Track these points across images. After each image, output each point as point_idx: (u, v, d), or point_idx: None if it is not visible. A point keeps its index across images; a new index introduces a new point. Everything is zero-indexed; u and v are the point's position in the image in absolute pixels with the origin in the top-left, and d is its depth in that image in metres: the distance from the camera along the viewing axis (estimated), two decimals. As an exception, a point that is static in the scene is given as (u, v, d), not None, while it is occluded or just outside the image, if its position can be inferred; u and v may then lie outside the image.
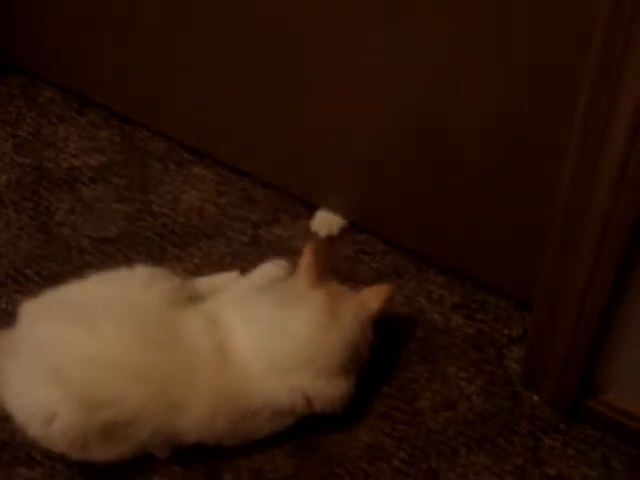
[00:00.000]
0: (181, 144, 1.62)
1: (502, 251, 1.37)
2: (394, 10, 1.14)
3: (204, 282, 1.43)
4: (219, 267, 1.49)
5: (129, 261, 1.49)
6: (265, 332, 1.27)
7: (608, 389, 1.30)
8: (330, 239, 1.51)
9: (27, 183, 1.60)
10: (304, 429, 1.34)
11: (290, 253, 1.48)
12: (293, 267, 1.38)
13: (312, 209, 1.54)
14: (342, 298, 1.30)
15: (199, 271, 1.49)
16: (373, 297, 1.32)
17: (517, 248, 1.34)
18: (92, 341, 1.22)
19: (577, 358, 1.25)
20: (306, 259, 1.29)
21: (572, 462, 1.32)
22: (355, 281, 1.46)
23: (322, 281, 1.29)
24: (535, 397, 1.37)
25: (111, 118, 1.67)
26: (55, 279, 1.47)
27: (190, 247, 1.52)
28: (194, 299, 1.34)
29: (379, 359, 1.40)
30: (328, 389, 1.27)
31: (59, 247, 1.52)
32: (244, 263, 1.49)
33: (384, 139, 1.33)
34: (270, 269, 1.44)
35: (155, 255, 1.52)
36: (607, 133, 0.95)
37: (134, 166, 1.61)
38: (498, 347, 1.42)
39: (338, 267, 1.47)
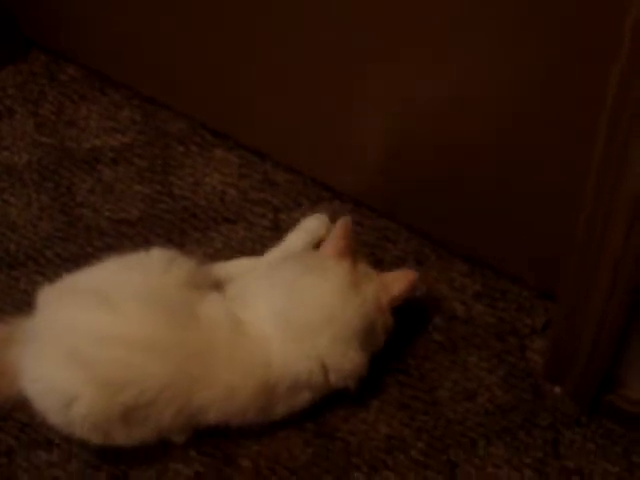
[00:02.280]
0: (203, 125, 1.61)
1: (526, 239, 1.35)
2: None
3: (221, 267, 1.42)
4: (239, 251, 1.48)
5: (149, 244, 1.47)
6: (285, 297, 1.28)
7: (631, 384, 1.28)
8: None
9: (48, 163, 1.59)
10: (322, 416, 1.34)
11: (311, 238, 1.46)
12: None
13: (334, 193, 1.53)
14: (365, 276, 1.31)
15: (219, 255, 1.48)
16: (396, 282, 1.32)
17: (541, 236, 1.32)
18: (110, 322, 1.21)
19: (601, 352, 1.23)
20: (336, 231, 1.31)
21: (592, 456, 1.30)
22: (375, 267, 1.45)
23: (348, 256, 1.30)
24: (557, 390, 1.35)
25: (133, 98, 1.65)
26: (74, 261, 1.47)
27: (211, 231, 1.51)
28: (215, 286, 1.34)
29: (398, 348, 1.39)
30: (342, 359, 1.26)
31: (79, 228, 1.52)
32: (264, 248, 1.47)
33: (406, 124, 1.32)
34: (311, 224, 1.44)
35: (175, 238, 1.51)
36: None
37: (155, 147, 1.60)
38: (520, 338, 1.40)
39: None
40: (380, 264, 1.46)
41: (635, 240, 1.04)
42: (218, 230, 1.51)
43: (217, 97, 1.54)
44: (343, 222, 1.32)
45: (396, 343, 1.38)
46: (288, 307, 1.27)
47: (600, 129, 0.98)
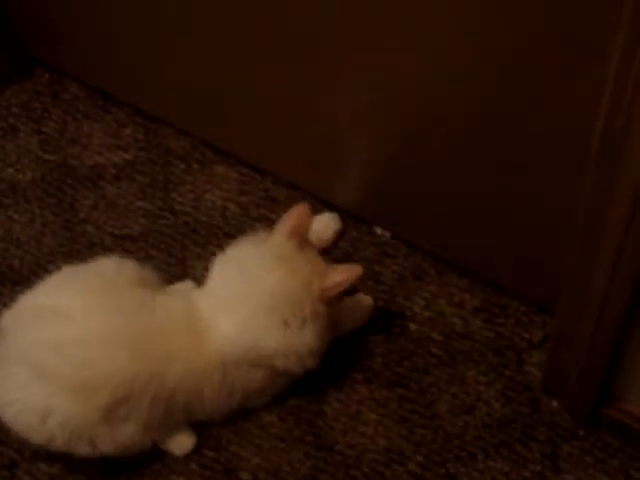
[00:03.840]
0: (204, 143, 1.63)
1: (524, 255, 1.37)
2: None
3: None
4: (240, 266, 1.49)
5: (150, 259, 1.51)
6: (224, 271, 1.31)
7: (628, 397, 1.29)
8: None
9: (52, 180, 1.61)
10: (321, 429, 1.35)
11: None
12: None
13: (334, 210, 1.54)
14: (305, 259, 1.30)
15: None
16: (335, 274, 1.30)
17: (539, 252, 1.33)
18: (63, 329, 1.23)
19: (597, 365, 1.25)
20: (289, 213, 1.32)
21: (590, 470, 1.31)
22: (375, 283, 1.47)
23: (295, 239, 1.30)
24: (554, 403, 1.36)
25: (135, 116, 1.67)
26: (77, 276, 1.49)
27: (211, 246, 1.53)
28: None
29: (397, 362, 1.40)
30: (262, 331, 1.26)
31: (82, 244, 1.54)
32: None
33: (404, 139, 1.34)
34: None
35: (176, 253, 1.52)
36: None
37: (157, 164, 1.62)
38: (518, 352, 1.41)
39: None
40: (379, 279, 1.48)
41: (633, 239, 1.04)
42: (219, 245, 1.52)
43: (218, 114, 1.56)
44: (299, 207, 1.33)
45: (395, 357, 1.40)
46: (224, 279, 1.30)
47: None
